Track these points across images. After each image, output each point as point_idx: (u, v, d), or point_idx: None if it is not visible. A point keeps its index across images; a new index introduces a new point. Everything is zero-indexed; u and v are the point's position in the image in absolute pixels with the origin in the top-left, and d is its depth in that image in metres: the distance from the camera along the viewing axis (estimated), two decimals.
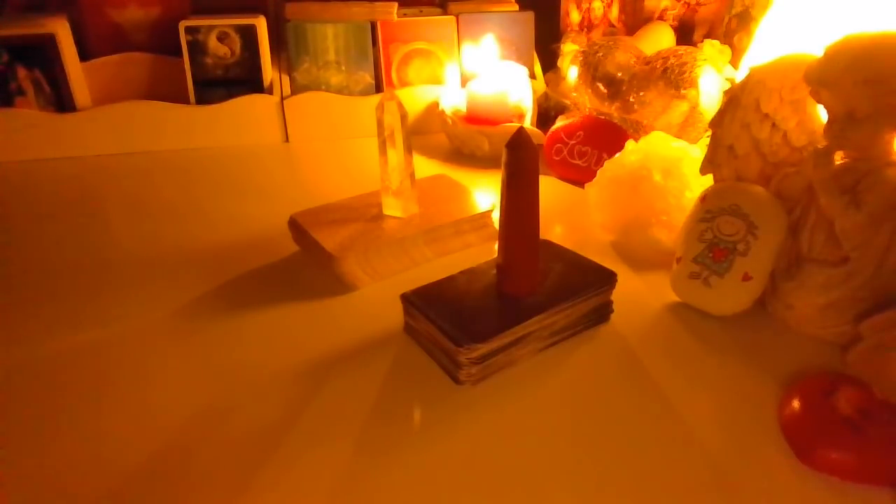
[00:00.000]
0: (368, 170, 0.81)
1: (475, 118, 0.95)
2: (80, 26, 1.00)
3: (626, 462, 0.44)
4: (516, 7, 1.11)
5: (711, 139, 0.61)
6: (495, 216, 0.69)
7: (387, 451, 0.45)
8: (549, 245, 0.61)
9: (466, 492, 0.42)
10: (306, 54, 1.02)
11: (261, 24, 0.99)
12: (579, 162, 0.84)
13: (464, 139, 0.94)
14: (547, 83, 1.10)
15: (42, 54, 0.94)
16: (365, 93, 1.04)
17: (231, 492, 0.42)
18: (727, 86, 0.81)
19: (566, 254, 0.60)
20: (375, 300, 0.62)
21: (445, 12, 1.08)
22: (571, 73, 0.94)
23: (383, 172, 0.66)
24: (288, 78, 1.03)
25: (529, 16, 1.07)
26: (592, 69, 0.90)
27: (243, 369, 0.53)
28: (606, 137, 0.83)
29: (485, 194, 0.74)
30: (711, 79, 0.81)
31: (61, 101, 0.96)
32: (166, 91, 1.01)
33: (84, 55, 0.99)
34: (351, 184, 0.79)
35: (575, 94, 0.94)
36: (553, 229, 0.74)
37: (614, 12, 1.15)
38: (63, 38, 0.94)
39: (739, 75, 0.83)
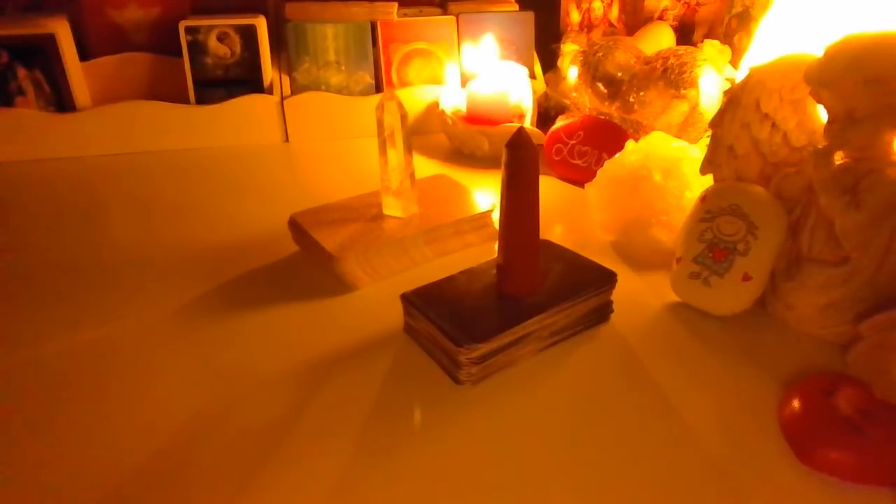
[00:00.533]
0: (368, 170, 0.81)
1: (475, 118, 0.95)
2: (80, 26, 1.00)
3: (626, 462, 0.44)
4: (516, 7, 1.11)
5: (711, 139, 0.61)
6: (495, 216, 0.69)
7: (387, 450, 0.45)
8: (549, 245, 0.61)
9: (466, 492, 0.42)
10: (306, 54, 1.02)
11: (261, 24, 0.99)
12: (579, 162, 0.84)
13: (464, 139, 0.94)
14: (547, 83, 1.10)
15: (42, 54, 0.94)
16: (365, 93, 1.04)
17: (231, 492, 0.42)
18: (727, 86, 0.81)
19: (566, 254, 0.60)
20: (375, 300, 0.62)
21: (445, 12, 1.08)
22: (571, 73, 0.94)
23: (383, 172, 0.66)
24: (288, 78, 1.03)
25: (529, 16, 1.07)
26: (592, 69, 0.90)
27: (243, 369, 0.53)
28: (606, 137, 0.83)
29: (485, 194, 0.74)
30: (711, 79, 0.81)
31: (61, 101, 0.96)
32: (166, 91, 1.01)
33: (84, 55, 0.99)
34: (351, 184, 0.79)
35: (575, 94, 0.94)
36: (553, 229, 0.74)
37: (614, 12, 1.15)
38: (63, 38, 0.94)
39: (739, 75, 0.83)
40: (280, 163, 0.98)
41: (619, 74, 0.88)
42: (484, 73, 0.97)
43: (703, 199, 0.60)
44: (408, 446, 0.45)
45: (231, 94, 0.99)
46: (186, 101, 1.00)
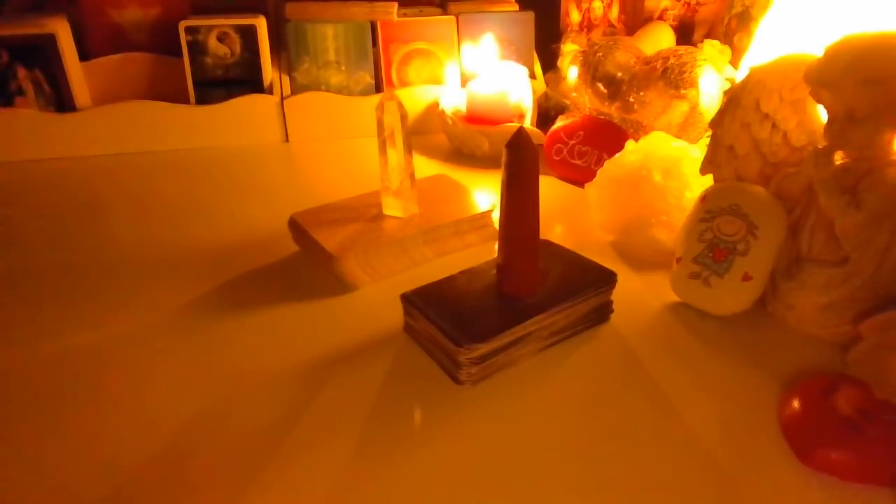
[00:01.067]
0: (368, 170, 0.81)
1: (475, 118, 0.95)
2: (80, 26, 1.00)
3: (626, 462, 0.44)
4: (516, 7, 1.11)
5: (711, 139, 0.61)
6: (495, 216, 0.69)
7: (387, 450, 0.45)
8: (549, 245, 0.61)
9: (466, 492, 0.42)
10: (306, 54, 1.02)
11: (261, 24, 0.99)
12: (579, 162, 0.84)
13: (464, 139, 0.94)
14: (547, 83, 1.10)
15: (42, 54, 0.94)
16: (365, 93, 1.04)
17: (231, 492, 0.42)
18: (727, 86, 0.81)
19: (566, 254, 0.60)
20: (375, 300, 0.62)
21: (445, 12, 1.08)
22: (571, 73, 0.94)
23: (383, 172, 0.66)
24: (288, 78, 1.03)
25: (529, 16, 1.07)
26: (592, 69, 0.90)
27: (243, 369, 0.53)
28: (606, 137, 0.83)
29: (485, 194, 0.74)
30: (711, 79, 0.81)
31: (61, 101, 0.96)
32: (166, 91, 1.01)
33: (84, 55, 0.99)
34: (351, 184, 0.79)
35: (575, 94, 0.94)
36: (553, 229, 0.74)
37: (614, 12, 1.15)
38: (63, 38, 0.94)
39: (739, 75, 0.83)
40: (280, 163, 0.98)
41: (619, 74, 0.88)
42: (484, 73, 0.97)
43: (703, 199, 0.60)
44: (408, 446, 0.45)
45: (231, 94, 0.99)
46: (186, 101, 1.00)
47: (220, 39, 0.98)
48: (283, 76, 1.03)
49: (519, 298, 0.53)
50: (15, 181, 0.90)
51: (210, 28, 0.98)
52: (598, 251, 0.68)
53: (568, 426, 0.47)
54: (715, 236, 0.57)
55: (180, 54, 0.98)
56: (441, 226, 0.67)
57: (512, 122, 0.94)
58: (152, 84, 1.04)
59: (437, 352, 0.52)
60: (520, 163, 0.50)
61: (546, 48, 1.14)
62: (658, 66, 0.83)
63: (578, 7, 1.23)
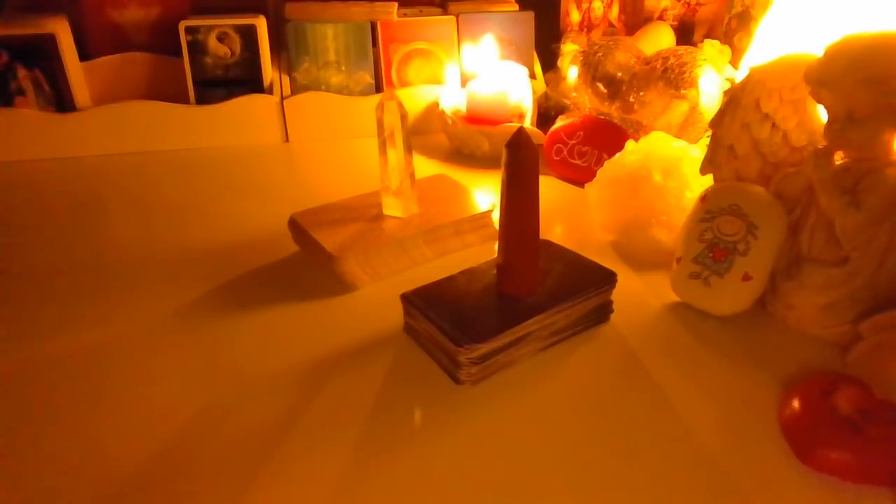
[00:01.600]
0: (368, 170, 0.81)
1: (475, 118, 0.95)
2: (80, 26, 1.00)
3: (626, 462, 0.44)
4: (516, 7, 1.11)
5: (711, 139, 0.61)
6: (495, 216, 0.69)
7: (387, 450, 0.45)
8: (549, 245, 0.61)
9: (466, 492, 0.42)
10: (306, 54, 1.02)
11: (261, 24, 0.99)
12: (579, 162, 0.84)
13: (464, 139, 0.94)
14: (547, 83, 1.10)
15: (42, 54, 0.94)
16: (365, 93, 1.04)
17: (231, 492, 0.42)
18: (727, 86, 0.81)
19: (566, 254, 0.60)
20: (375, 300, 0.62)
21: (445, 12, 1.08)
22: (571, 73, 0.94)
23: (383, 172, 0.66)
24: (288, 78, 1.03)
25: (529, 16, 1.07)
26: (592, 69, 0.90)
27: (243, 369, 0.53)
28: (606, 137, 0.83)
29: (485, 194, 0.74)
30: (711, 79, 0.81)
31: (61, 101, 0.96)
32: (166, 91, 1.00)
33: (84, 55, 0.99)
34: (351, 184, 0.79)
35: (575, 94, 0.94)
36: (553, 229, 0.74)
37: (614, 12, 1.15)
38: (63, 38, 0.94)
39: (739, 75, 0.83)
40: (280, 163, 0.98)
41: (619, 74, 0.88)
42: (484, 73, 0.97)
43: (703, 199, 0.60)
44: (408, 446, 0.45)
45: (231, 94, 0.99)
46: (186, 101, 1.00)
47: (220, 39, 0.98)
48: (283, 76, 1.03)
49: (519, 298, 0.53)
50: (15, 181, 0.90)
51: (210, 28, 0.98)
52: (598, 251, 0.68)
53: (568, 426, 0.47)
54: (715, 236, 0.57)
55: (180, 54, 0.98)
56: (441, 226, 0.67)
57: (512, 122, 0.94)
58: (152, 84, 1.04)
59: (437, 352, 0.52)
60: (520, 163, 0.50)
61: (546, 48, 1.14)
62: (658, 66, 0.84)
63: (578, 7, 1.23)
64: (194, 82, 1.00)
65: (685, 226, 0.60)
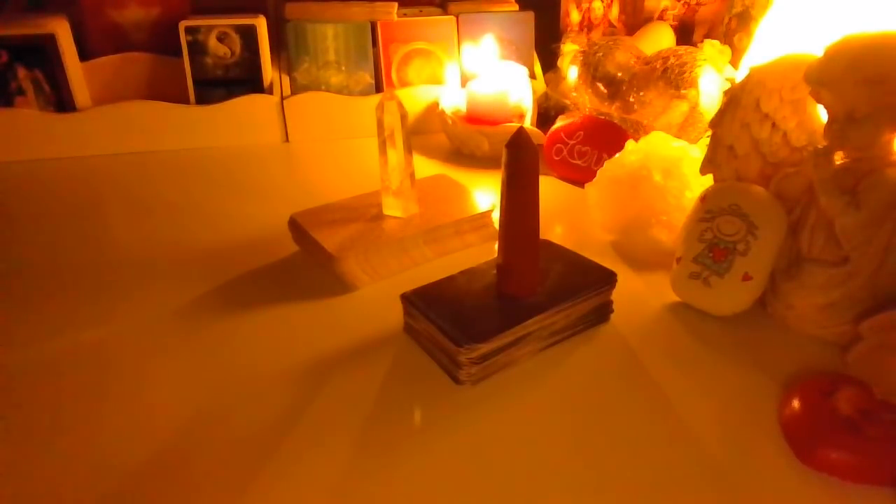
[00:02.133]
0: (368, 170, 0.81)
1: (475, 118, 0.95)
2: (80, 26, 1.00)
3: (626, 462, 0.44)
4: (516, 7, 1.11)
5: (711, 139, 0.61)
6: (495, 216, 0.69)
7: (387, 451, 0.45)
8: (549, 245, 0.61)
9: (466, 492, 0.42)
10: (306, 54, 1.02)
11: (261, 24, 0.99)
12: (579, 162, 0.84)
13: (464, 139, 0.94)
14: (547, 83, 1.10)
15: (42, 54, 0.94)
16: (365, 93, 1.04)
17: (231, 492, 0.42)
18: (727, 86, 0.81)
19: (566, 254, 0.60)
20: (375, 300, 0.62)
21: (445, 12, 1.08)
22: (571, 73, 0.94)
23: (383, 172, 0.66)
24: (288, 78, 1.03)
25: (529, 16, 1.07)
26: (592, 69, 0.90)
27: (243, 369, 0.53)
28: (606, 137, 0.83)
29: (485, 194, 0.74)
30: (711, 79, 0.81)
31: (61, 101, 0.96)
32: (166, 91, 1.00)
33: (84, 55, 0.99)
34: (351, 184, 0.79)
35: (575, 94, 0.94)
36: (553, 229, 0.74)
37: (614, 12, 1.15)
38: (63, 38, 0.94)
39: (739, 75, 0.83)
40: (280, 163, 0.98)
41: (619, 74, 0.88)
42: (484, 73, 0.97)
43: (703, 199, 0.60)
44: (408, 446, 0.45)
45: (231, 94, 0.99)
46: (186, 101, 1.00)
47: (220, 39, 0.98)
48: (283, 76, 1.03)
49: (519, 298, 0.53)
50: (15, 181, 0.90)
51: (210, 28, 0.98)
52: (598, 251, 0.68)
53: (568, 426, 0.47)
54: (715, 236, 0.57)
55: (180, 54, 0.98)
56: (441, 226, 0.67)
57: (512, 122, 0.94)
58: (152, 84, 1.04)
59: (437, 352, 0.52)
60: (520, 163, 0.50)
61: (546, 48, 1.14)
62: (658, 66, 0.84)
63: (578, 7, 1.23)
64: (194, 82, 1.00)
65: (685, 226, 0.60)
